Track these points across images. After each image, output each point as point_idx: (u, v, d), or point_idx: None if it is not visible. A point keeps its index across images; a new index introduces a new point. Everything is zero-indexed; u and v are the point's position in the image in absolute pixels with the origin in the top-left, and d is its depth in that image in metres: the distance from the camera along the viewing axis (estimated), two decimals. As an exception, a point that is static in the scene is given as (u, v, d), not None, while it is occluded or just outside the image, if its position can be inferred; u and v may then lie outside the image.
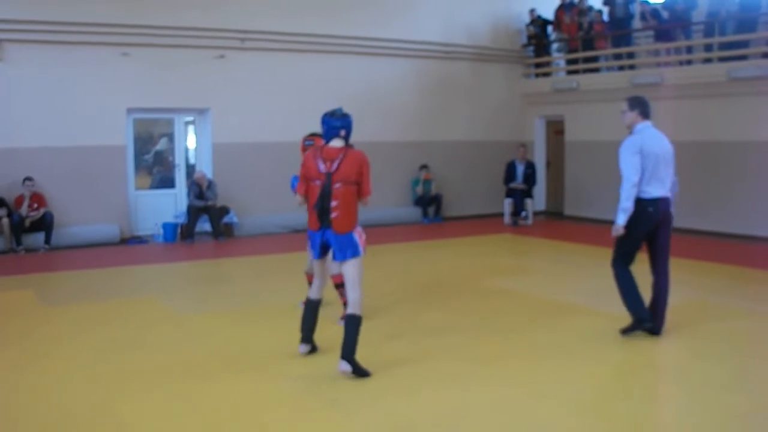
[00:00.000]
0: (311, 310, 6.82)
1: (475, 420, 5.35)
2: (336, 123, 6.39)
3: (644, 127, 7.32)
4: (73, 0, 13.99)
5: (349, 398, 5.85)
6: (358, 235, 6.36)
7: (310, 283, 7.72)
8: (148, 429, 5.26)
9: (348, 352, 6.23)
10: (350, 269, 6.36)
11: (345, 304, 7.16)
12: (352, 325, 6.29)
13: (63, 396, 5.96)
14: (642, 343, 7.26)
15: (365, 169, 6.35)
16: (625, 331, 7.43)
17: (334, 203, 6.24)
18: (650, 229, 7.27)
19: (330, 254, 6.53)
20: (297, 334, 6.87)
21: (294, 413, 5.56)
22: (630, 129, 7.38)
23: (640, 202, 7.15)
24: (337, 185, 6.23)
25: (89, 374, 6.50)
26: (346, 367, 6.22)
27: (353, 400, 5.82)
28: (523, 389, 5.99)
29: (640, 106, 7.35)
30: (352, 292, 6.36)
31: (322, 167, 6.29)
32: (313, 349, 6.94)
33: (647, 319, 7.32)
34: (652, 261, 7.49)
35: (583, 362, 6.74)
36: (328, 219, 6.27)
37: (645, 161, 7.11)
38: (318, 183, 6.30)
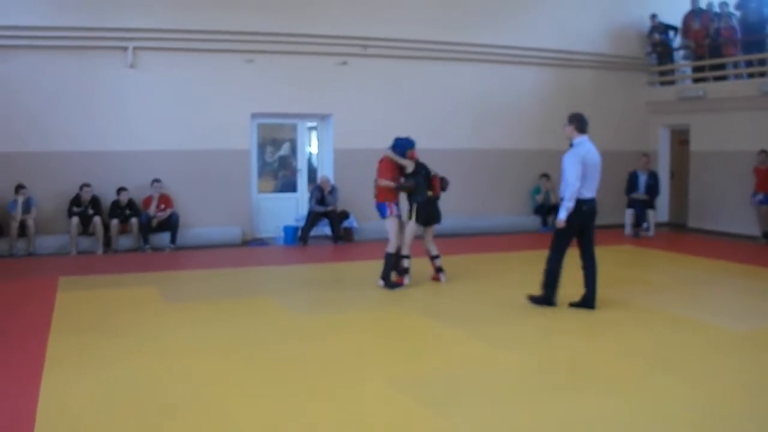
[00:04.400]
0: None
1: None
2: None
3: (583, 140, 9.04)
4: (201, 9, 14.55)
5: (454, 402, 5.86)
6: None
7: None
8: (256, 428, 5.37)
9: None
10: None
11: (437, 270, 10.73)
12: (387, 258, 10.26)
13: (175, 389, 6.17)
14: (735, 359, 7.01)
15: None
16: (534, 301, 9.17)
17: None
18: (583, 223, 9.02)
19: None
20: (409, 339, 7.02)
21: (399, 416, 5.59)
22: (569, 141, 9.09)
23: (578, 202, 8.87)
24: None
25: (203, 369, 6.71)
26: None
27: (459, 404, 5.82)
28: (632, 403, 5.82)
29: (577, 122, 9.03)
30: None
31: None
32: None
33: (554, 303, 9.09)
34: (583, 249, 9.19)
35: (693, 376, 6.56)
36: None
37: (584, 169, 8.88)
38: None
